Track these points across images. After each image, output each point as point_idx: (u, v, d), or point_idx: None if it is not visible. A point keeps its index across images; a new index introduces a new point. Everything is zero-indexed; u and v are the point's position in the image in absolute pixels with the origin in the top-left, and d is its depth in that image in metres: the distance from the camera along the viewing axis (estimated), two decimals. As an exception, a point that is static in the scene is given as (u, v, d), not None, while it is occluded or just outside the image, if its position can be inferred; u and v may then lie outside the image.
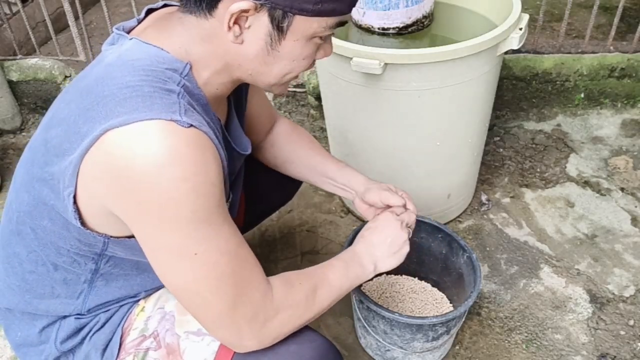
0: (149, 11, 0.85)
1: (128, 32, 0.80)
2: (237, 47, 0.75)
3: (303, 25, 0.74)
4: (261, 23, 0.73)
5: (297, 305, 0.82)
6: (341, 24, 0.78)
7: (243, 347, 0.79)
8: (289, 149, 1.18)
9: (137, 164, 0.66)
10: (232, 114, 0.94)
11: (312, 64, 0.83)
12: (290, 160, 1.19)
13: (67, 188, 0.73)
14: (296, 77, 0.83)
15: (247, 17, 0.72)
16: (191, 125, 0.69)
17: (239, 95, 0.98)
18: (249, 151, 0.96)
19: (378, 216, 1.04)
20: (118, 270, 0.86)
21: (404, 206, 1.07)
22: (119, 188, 0.69)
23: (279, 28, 0.73)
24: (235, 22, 0.72)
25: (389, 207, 1.08)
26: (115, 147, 0.67)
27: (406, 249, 1.00)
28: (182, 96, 0.72)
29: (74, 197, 0.73)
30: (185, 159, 0.67)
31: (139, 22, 0.83)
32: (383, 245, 0.98)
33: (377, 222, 1.02)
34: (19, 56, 2.21)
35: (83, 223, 0.77)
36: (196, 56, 0.77)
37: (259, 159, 1.21)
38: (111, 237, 0.79)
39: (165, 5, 0.86)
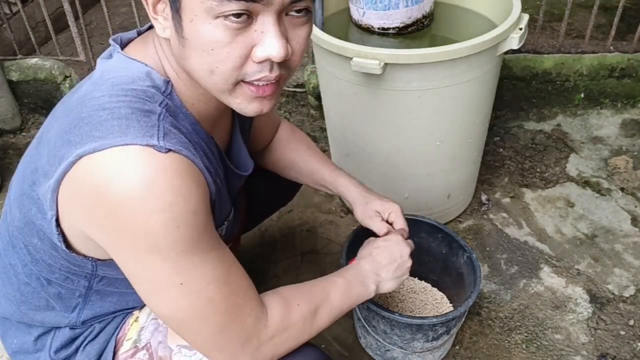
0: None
1: (125, 44, 0.77)
2: (170, 44, 0.70)
3: (192, 0, 0.62)
4: (168, 8, 0.66)
5: (293, 327, 0.79)
6: None
7: None
8: (289, 157, 1.17)
9: (111, 194, 0.62)
10: (235, 133, 0.90)
11: (269, 66, 0.67)
12: (289, 167, 1.18)
13: (49, 211, 0.70)
14: (248, 83, 0.69)
15: (164, 5, 0.67)
16: (169, 150, 0.64)
17: None
18: (250, 171, 0.93)
19: (389, 237, 1.01)
20: (112, 288, 0.84)
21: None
22: (95, 217, 0.65)
23: (175, 8, 0.65)
24: (157, 13, 0.68)
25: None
26: (88, 174, 0.63)
27: (407, 275, 0.99)
28: (163, 118, 0.67)
29: (57, 220, 0.71)
30: (162, 188, 0.63)
31: (139, 34, 0.79)
32: (389, 267, 0.95)
33: (388, 242, 0.99)
34: (19, 56, 2.20)
35: (68, 246, 0.74)
36: (169, 69, 0.73)
37: (259, 164, 1.19)
38: (98, 260, 0.77)
39: None
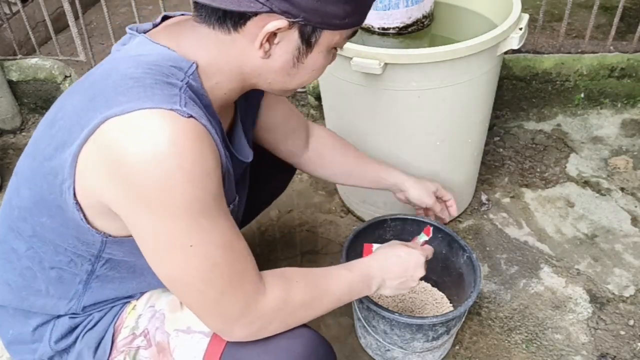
0: (165, 18, 0.85)
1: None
2: (262, 60, 0.77)
3: (328, 38, 0.77)
4: (291, 38, 0.75)
5: (291, 305, 0.82)
6: (355, 33, 0.82)
7: (233, 337, 0.80)
8: (340, 162, 1.25)
9: (134, 152, 0.66)
10: (237, 121, 0.94)
11: None
12: (340, 172, 1.26)
13: (66, 181, 0.73)
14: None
15: (277, 34, 0.74)
16: (191, 116, 0.69)
17: (250, 104, 0.98)
18: (250, 159, 0.97)
19: (413, 252, 1.03)
20: (114, 273, 0.86)
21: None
22: (115, 176, 0.69)
23: (307, 42, 0.76)
24: (267, 40, 0.74)
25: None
26: (114, 134, 0.67)
27: (406, 291, 1.04)
28: (184, 90, 0.72)
29: (74, 190, 0.73)
30: (183, 149, 0.67)
31: (154, 26, 0.83)
32: (396, 280, 1.00)
33: (409, 257, 1.02)
34: (19, 56, 2.21)
35: (83, 218, 0.76)
36: (206, 61, 0.77)
37: (305, 171, 1.27)
38: (110, 236, 0.79)
39: (182, 15, 0.86)
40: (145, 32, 0.81)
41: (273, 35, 0.74)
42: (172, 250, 0.72)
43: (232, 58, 0.77)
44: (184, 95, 0.71)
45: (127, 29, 0.81)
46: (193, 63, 0.76)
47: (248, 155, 0.97)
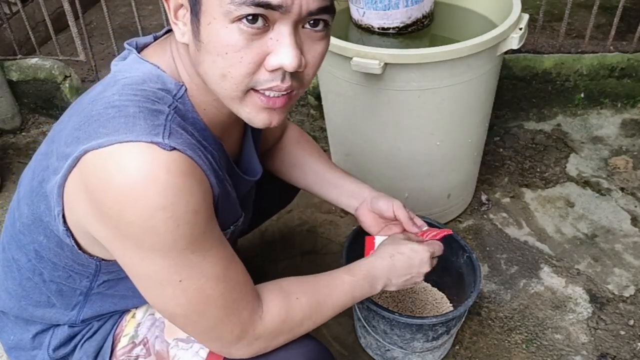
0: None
1: (142, 48, 0.78)
2: (187, 49, 0.70)
3: (212, 4, 0.63)
4: (189, 13, 0.66)
5: (290, 320, 0.79)
6: (260, 5, 0.61)
7: (234, 357, 0.79)
8: (297, 153, 1.15)
9: (113, 190, 0.63)
10: (247, 139, 0.90)
11: (280, 76, 0.66)
12: (298, 164, 1.15)
13: (55, 207, 0.71)
14: (259, 93, 0.68)
15: (185, 10, 0.67)
16: (174, 149, 0.64)
17: None
18: (258, 177, 0.93)
19: (419, 248, 0.96)
20: (112, 291, 0.85)
21: (410, 222, 1.05)
22: (97, 213, 0.66)
23: (194, 11, 0.65)
24: (178, 18, 0.68)
25: (394, 220, 1.06)
26: (92, 169, 0.64)
27: (412, 285, 0.98)
28: (171, 118, 0.68)
29: (64, 217, 0.72)
30: (164, 186, 0.63)
31: (156, 39, 0.80)
32: (404, 277, 0.94)
33: (415, 254, 0.95)
34: (19, 56, 2.20)
35: (76, 243, 0.75)
36: (184, 74, 0.73)
37: (264, 165, 1.19)
38: (103, 260, 0.78)
39: None
40: (145, 45, 0.78)
41: (181, 12, 0.67)
42: (162, 285, 0.70)
43: (188, 60, 0.71)
44: (170, 124, 0.67)
45: (125, 45, 0.77)
46: (182, 85, 0.72)
47: (257, 172, 0.93)
